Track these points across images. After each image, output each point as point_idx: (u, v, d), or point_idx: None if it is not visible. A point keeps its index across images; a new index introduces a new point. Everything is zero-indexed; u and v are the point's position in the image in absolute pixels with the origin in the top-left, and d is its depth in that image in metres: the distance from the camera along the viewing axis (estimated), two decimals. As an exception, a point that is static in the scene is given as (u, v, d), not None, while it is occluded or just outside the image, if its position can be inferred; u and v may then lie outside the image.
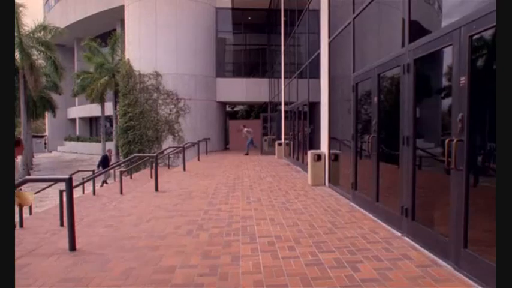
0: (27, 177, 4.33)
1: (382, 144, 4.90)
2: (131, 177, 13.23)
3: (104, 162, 15.68)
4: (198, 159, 15.00)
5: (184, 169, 11.55)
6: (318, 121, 8.80)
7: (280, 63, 16.56)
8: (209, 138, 19.31)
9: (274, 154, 16.33)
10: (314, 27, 9.63)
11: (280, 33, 16.40)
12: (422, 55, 3.73)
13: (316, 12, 9.07)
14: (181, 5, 18.77)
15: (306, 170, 9.40)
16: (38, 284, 3.03)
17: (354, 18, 6.07)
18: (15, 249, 5.37)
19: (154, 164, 8.43)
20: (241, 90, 21.37)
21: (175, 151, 15.89)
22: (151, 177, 11.43)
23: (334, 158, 7.56)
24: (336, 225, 4.72)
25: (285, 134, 15.46)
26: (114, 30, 29.78)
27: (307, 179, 8.66)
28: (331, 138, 7.74)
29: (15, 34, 22.39)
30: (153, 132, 18.60)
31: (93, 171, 10.67)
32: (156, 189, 7.78)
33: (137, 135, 18.42)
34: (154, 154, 9.49)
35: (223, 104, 22.84)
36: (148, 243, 4.09)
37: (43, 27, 23.71)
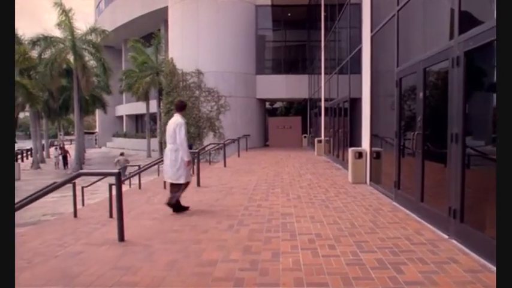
0: (81, 171, 4.65)
1: (428, 142, 4.70)
2: (174, 173, 13.68)
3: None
4: (238, 156, 15.21)
5: (224, 165, 11.77)
6: (359, 118, 8.60)
7: (320, 59, 16.32)
8: (249, 135, 19.49)
9: (314, 151, 16.17)
10: (355, 22, 9.39)
11: (320, 29, 16.14)
12: (473, 47, 3.52)
13: (358, 6, 8.83)
14: (223, 3, 19.06)
15: (346, 167, 9.23)
16: (91, 270, 3.24)
17: (398, 11, 5.85)
18: (70, 237, 5.81)
19: (196, 160, 8.68)
20: (281, 87, 21.33)
21: (216, 147, 16.22)
22: (193, 172, 11.78)
23: (375, 156, 7.36)
24: (377, 224, 4.61)
25: (325, 131, 15.26)
26: (159, 30, 30.88)
27: (347, 176, 8.50)
28: (373, 135, 7.53)
29: (69, 37, 23.95)
30: (194, 128, 19.11)
31: (139, 166, 11.19)
32: (198, 184, 8.01)
33: (180, 132, 18.98)
34: (196, 150, 9.76)
35: (262, 101, 22.94)
36: (191, 236, 4.23)
37: (93, 30, 25.17)
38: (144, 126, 38.36)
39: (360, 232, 4.28)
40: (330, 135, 13.72)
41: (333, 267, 3.22)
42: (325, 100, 14.93)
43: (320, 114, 16.36)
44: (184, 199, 6.61)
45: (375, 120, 7.44)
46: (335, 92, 12.33)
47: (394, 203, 5.78)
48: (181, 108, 5.73)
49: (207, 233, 4.37)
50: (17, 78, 20.57)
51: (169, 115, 19.17)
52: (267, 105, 27.42)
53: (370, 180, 7.61)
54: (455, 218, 3.81)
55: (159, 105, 27.59)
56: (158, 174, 13.88)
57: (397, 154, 5.79)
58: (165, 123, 19.33)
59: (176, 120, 5.50)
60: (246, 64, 20.27)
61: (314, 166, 11.51)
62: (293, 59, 23.55)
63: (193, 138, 19.10)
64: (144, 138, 34.26)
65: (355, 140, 9.13)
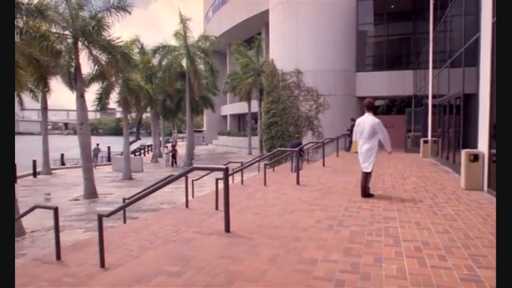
0: (194, 165, 5.17)
1: None
2: (273, 170, 14.17)
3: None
4: (337, 155, 14.93)
5: (323, 164, 11.69)
6: (473, 116, 7.68)
7: (427, 53, 14.96)
8: (348, 134, 18.94)
9: (419, 152, 14.95)
10: (471, 8, 8.40)
11: (427, 19, 14.79)
12: None
13: (476, -9, 7.88)
14: (323, 1, 18.86)
15: (457, 171, 8.35)
16: (202, 257, 3.61)
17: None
18: (183, 225, 6.53)
19: (295, 159, 8.85)
20: (383, 84, 20.13)
21: (315, 146, 16.19)
22: (292, 171, 12.00)
23: (496, 159, 6.49)
24: (498, 237, 4.09)
25: (432, 131, 13.96)
26: (260, 33, 32.17)
27: (459, 181, 7.68)
28: (492, 136, 6.65)
29: (183, 45, 26.62)
30: (293, 127, 19.36)
31: (242, 163, 11.84)
32: (297, 182, 8.14)
33: (279, 131, 19.49)
34: (296, 149, 9.94)
35: (363, 99, 22.05)
36: (291, 233, 4.36)
37: (206, 38, 27.63)
38: (245, 125, 40.42)
39: (476, 244, 3.87)
40: (438, 135, 12.53)
41: (443, 280, 2.98)
42: (433, 97, 13.66)
43: (427, 113, 15.04)
44: (284, 196, 6.83)
45: (494, 119, 6.57)
46: (445, 87, 11.18)
47: (521, 215, 5.03)
48: (372, 108, 6.54)
49: (306, 231, 4.46)
50: (142, 83, 23.73)
51: (269, 114, 19.83)
52: (368, 103, 26.23)
53: (488, 186, 6.74)
54: None
55: (260, 105, 28.74)
56: (258, 171, 14.48)
57: (526, 158, 5.02)
58: (265, 123, 20.19)
59: (372, 119, 6.29)
60: (346, 61, 19.70)
61: (419, 168, 10.66)
62: (396, 54, 22.02)
63: (292, 137, 19.36)
64: (246, 136, 36.13)
65: (469, 141, 8.19)
